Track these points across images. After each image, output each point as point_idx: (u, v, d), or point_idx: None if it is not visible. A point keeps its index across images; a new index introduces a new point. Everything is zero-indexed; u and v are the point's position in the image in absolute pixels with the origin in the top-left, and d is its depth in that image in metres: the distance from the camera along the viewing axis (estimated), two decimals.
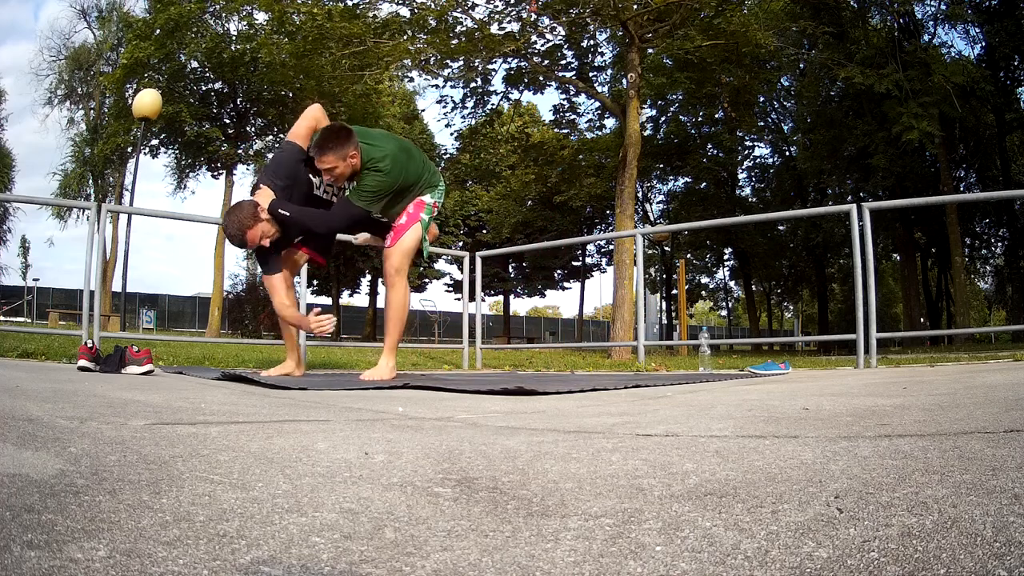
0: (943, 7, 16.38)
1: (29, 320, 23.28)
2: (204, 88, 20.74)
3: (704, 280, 30.41)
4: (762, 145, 24.12)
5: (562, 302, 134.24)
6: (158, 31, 18.12)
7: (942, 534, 0.60)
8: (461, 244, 25.72)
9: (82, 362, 3.14)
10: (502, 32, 11.19)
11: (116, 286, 19.24)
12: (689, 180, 23.69)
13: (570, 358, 6.75)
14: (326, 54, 11.12)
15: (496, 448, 1.15)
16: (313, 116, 3.27)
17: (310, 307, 4.43)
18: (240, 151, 21.24)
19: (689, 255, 26.49)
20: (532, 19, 11.44)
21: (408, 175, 3.22)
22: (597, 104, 14.83)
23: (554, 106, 15.47)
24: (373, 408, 1.85)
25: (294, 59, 12.12)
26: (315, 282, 26.06)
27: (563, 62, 12.94)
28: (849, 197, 19.52)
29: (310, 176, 3.17)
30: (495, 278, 27.45)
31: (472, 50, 11.06)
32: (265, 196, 3.06)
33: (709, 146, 22.38)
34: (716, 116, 21.56)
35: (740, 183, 24.88)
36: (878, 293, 5.49)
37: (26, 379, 2.34)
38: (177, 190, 22.49)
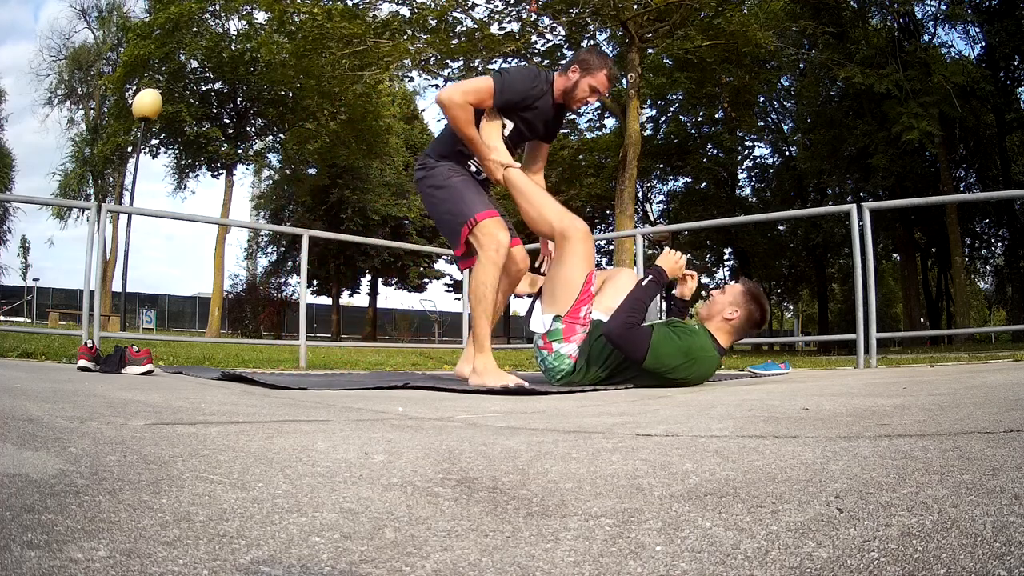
0: (943, 7, 16.38)
1: (29, 320, 23.29)
2: (204, 88, 20.76)
3: (704, 280, 30.40)
4: (762, 145, 24.14)
5: None
6: (158, 31, 18.14)
7: (942, 534, 0.60)
8: None
9: (82, 362, 3.14)
10: (502, 32, 11.20)
11: (116, 286, 19.25)
12: (689, 180, 23.69)
13: None
14: (326, 54, 11.13)
15: (496, 448, 1.15)
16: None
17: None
18: (240, 151, 21.25)
19: (689, 255, 26.40)
20: (532, 19, 11.45)
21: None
22: (597, 104, 14.83)
23: None
24: (373, 408, 1.85)
25: (294, 59, 12.14)
26: (315, 282, 26.06)
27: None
28: (849, 197, 19.49)
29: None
30: None
31: (472, 50, 11.07)
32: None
33: (709, 146, 22.37)
34: (716, 116, 21.56)
35: (740, 183, 24.88)
36: (878, 293, 5.49)
37: (26, 379, 2.34)
38: (177, 190, 22.56)
